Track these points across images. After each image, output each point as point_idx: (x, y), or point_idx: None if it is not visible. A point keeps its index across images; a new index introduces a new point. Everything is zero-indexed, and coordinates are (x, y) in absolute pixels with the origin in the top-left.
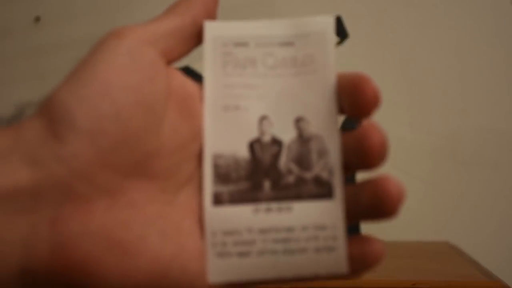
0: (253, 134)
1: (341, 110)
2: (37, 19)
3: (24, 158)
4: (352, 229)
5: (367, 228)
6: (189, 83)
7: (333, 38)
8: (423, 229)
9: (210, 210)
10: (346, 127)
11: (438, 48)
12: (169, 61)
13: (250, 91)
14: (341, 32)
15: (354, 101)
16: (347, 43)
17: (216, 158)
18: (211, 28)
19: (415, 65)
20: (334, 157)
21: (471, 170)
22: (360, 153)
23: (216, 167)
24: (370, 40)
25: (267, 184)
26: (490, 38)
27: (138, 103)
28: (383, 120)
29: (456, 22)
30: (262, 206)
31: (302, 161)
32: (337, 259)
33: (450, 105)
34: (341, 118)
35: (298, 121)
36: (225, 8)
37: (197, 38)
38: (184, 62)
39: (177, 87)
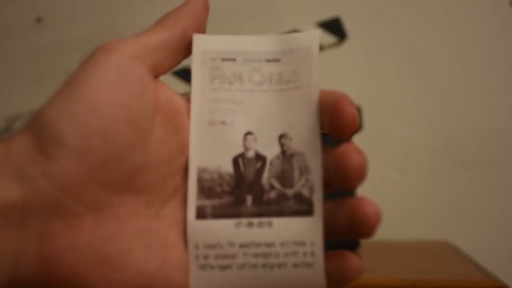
0: (238, 149)
1: (322, 127)
2: (38, 19)
3: (12, 174)
4: (352, 245)
5: None
6: (176, 97)
7: (317, 52)
8: (422, 228)
9: (194, 224)
10: (328, 143)
11: (438, 49)
12: (158, 74)
13: (236, 106)
14: (341, 33)
15: (333, 121)
16: (347, 43)
17: (201, 172)
18: (199, 42)
19: (415, 65)
20: (315, 175)
21: (470, 170)
22: (339, 173)
23: (201, 181)
24: (370, 40)
25: (249, 199)
26: (490, 39)
27: (126, 119)
28: (383, 120)
29: (456, 23)
30: (244, 220)
31: (284, 177)
32: (315, 274)
33: (449, 105)
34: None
35: (282, 137)
36: (225, 9)
37: (186, 50)
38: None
39: (164, 102)
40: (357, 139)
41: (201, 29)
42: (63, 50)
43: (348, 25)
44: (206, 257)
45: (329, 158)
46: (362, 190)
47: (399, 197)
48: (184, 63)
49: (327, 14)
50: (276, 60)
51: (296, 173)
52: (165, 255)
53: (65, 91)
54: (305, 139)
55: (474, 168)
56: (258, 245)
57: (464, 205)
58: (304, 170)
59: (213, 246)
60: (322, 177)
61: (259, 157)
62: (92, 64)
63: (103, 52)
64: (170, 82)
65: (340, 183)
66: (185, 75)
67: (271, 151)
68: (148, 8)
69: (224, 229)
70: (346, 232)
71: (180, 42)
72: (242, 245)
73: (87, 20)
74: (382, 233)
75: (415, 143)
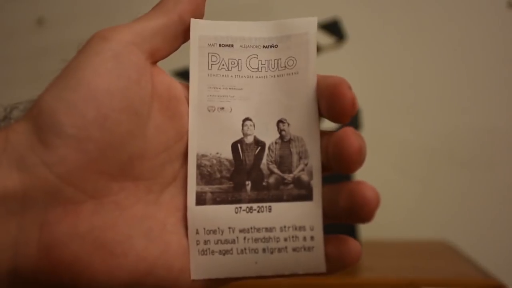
0: (237, 135)
1: (320, 113)
2: (39, 20)
3: (12, 163)
4: (349, 231)
5: (365, 228)
6: (174, 84)
7: (315, 38)
8: (420, 228)
9: (194, 209)
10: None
11: (436, 50)
12: (156, 60)
13: (234, 92)
14: (340, 33)
15: (331, 105)
16: (347, 44)
17: (200, 158)
18: (197, 27)
19: (414, 66)
20: (314, 159)
21: (468, 170)
22: (338, 157)
23: (200, 167)
24: (369, 41)
25: (248, 185)
26: (488, 40)
27: (124, 107)
28: (382, 120)
29: (454, 25)
30: (244, 206)
31: (283, 162)
32: (315, 258)
33: (448, 105)
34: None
35: (280, 123)
36: (224, 10)
37: (183, 35)
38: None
39: (162, 88)
40: None
41: (199, 14)
42: (64, 51)
43: (348, 26)
44: (206, 242)
45: (328, 142)
46: None
47: (397, 197)
48: (184, 64)
49: (326, 15)
50: (273, 46)
51: (294, 158)
52: (165, 241)
53: (63, 79)
54: (303, 124)
55: (472, 168)
56: (258, 230)
57: (462, 205)
58: (302, 155)
59: (213, 231)
60: (320, 161)
61: (258, 143)
62: (89, 52)
63: (100, 39)
64: None
65: (340, 166)
66: (187, 75)
67: (269, 137)
68: (148, 9)
69: (224, 214)
70: (345, 216)
71: (178, 27)
72: (242, 230)
73: (88, 21)
74: (381, 233)
75: (414, 143)
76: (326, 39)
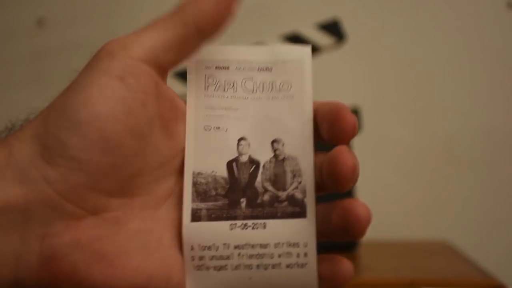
0: (232, 154)
1: (318, 137)
2: (40, 22)
3: (15, 176)
4: (350, 245)
5: None
6: (176, 101)
7: (310, 66)
8: (420, 228)
9: (189, 226)
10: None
11: (436, 50)
12: (167, 72)
13: (230, 112)
14: (340, 34)
15: (334, 128)
16: (347, 44)
17: (196, 176)
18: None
19: (414, 67)
20: (307, 178)
21: (468, 170)
22: (332, 175)
23: (196, 185)
24: (369, 42)
25: (243, 202)
26: (488, 40)
27: (127, 130)
28: (382, 121)
29: (454, 25)
30: (239, 222)
31: (277, 180)
32: (308, 275)
33: (447, 106)
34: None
35: (274, 142)
36: None
37: (199, 47)
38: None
39: (165, 107)
40: (356, 141)
41: (220, 24)
42: (65, 52)
43: (347, 27)
44: (201, 258)
45: (321, 161)
46: (361, 191)
47: (398, 197)
48: (184, 65)
49: (326, 15)
50: (268, 69)
51: (288, 176)
52: (163, 255)
53: (68, 97)
54: (297, 144)
55: (472, 169)
56: (252, 246)
57: (462, 205)
58: (296, 173)
59: (208, 248)
60: (313, 179)
61: (253, 161)
62: (95, 70)
63: (106, 55)
64: (170, 82)
65: (333, 184)
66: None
67: (264, 156)
68: (149, 10)
69: (219, 231)
70: (338, 233)
71: (195, 40)
72: (237, 247)
73: (89, 22)
74: (381, 233)
75: (414, 144)
76: (326, 39)
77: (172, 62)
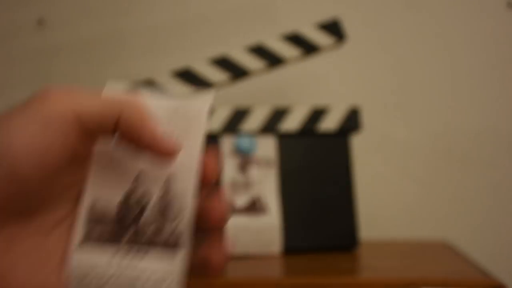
0: (128, 185)
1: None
2: (40, 22)
3: None
4: (350, 245)
5: (365, 228)
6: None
7: (205, 116)
8: (420, 228)
9: (76, 248)
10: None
11: (435, 50)
12: (91, 130)
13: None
14: (340, 33)
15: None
16: (347, 44)
17: (93, 202)
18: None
19: (413, 66)
20: (186, 220)
21: (467, 169)
22: (204, 219)
23: (90, 210)
24: (369, 42)
25: (129, 233)
26: (487, 40)
27: (38, 167)
28: (382, 121)
29: (453, 25)
30: (122, 250)
31: (162, 215)
32: None
33: (444, 105)
34: None
35: (167, 180)
36: (225, 10)
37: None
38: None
39: (84, 151)
40: (356, 139)
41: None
42: (65, 52)
43: (347, 27)
44: (83, 278)
45: (201, 203)
46: (361, 191)
47: (398, 197)
48: (185, 64)
49: (326, 15)
50: (169, 119)
51: (172, 213)
52: (47, 276)
53: None
54: (183, 184)
55: (472, 168)
56: (127, 277)
57: (462, 205)
58: (178, 212)
59: (87, 274)
60: (192, 219)
61: (145, 194)
62: (25, 111)
63: (39, 100)
64: (170, 82)
65: (205, 227)
66: (186, 76)
67: (155, 190)
68: (149, 10)
69: (103, 255)
70: (199, 271)
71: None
72: (112, 276)
73: (89, 22)
74: (381, 233)
75: (414, 143)
76: (326, 39)
77: (96, 130)
